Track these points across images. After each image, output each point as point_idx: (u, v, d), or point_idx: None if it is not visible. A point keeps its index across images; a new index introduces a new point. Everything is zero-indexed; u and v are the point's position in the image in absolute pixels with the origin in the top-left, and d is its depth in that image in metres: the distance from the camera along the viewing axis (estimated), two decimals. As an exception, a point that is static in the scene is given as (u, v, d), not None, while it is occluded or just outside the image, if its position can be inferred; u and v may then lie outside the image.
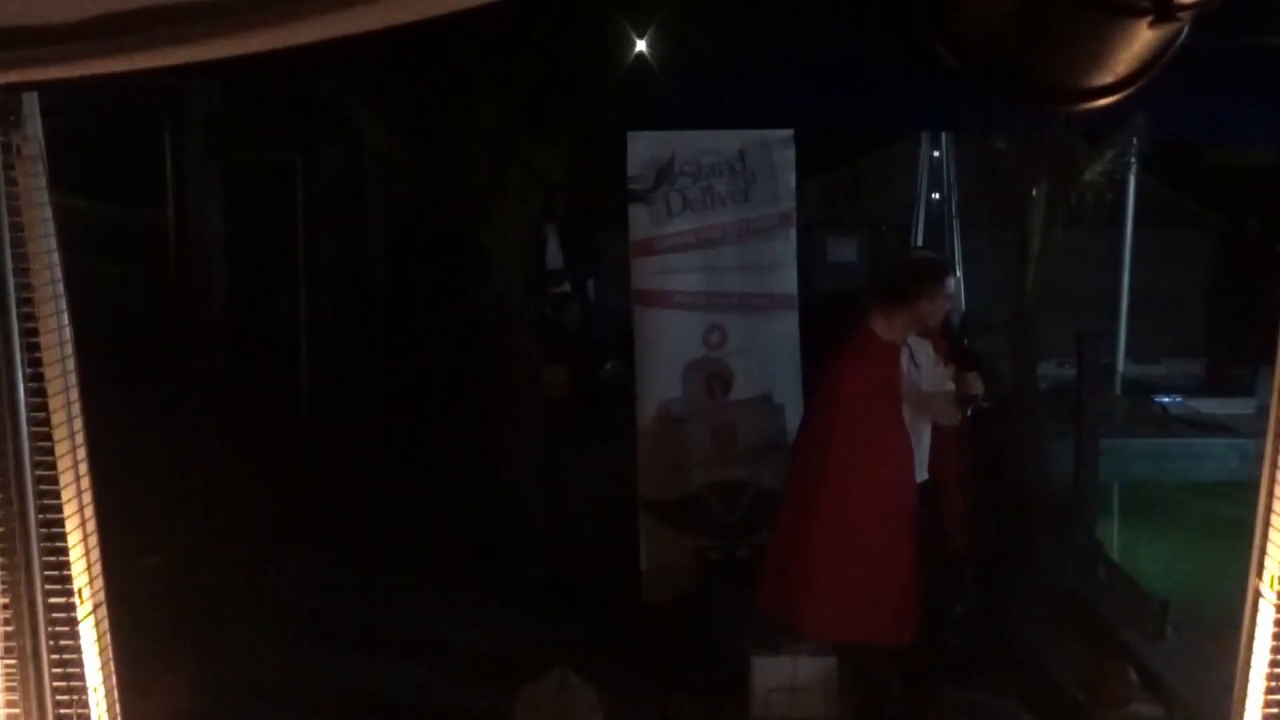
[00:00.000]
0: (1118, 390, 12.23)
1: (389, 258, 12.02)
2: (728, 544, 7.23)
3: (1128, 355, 12.80)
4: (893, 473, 5.23)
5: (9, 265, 2.64)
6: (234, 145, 8.60)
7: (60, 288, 2.80)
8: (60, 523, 2.74)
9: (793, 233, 7.50)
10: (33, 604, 2.68)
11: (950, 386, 5.24)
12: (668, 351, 7.33)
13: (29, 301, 2.70)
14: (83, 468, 2.82)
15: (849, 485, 5.25)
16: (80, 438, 2.82)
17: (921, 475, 5.28)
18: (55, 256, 2.78)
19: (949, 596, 5.43)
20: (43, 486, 2.71)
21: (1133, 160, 8.75)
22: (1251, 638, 2.90)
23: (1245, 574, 2.93)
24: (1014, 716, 4.71)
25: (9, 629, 2.70)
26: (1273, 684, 2.87)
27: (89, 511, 2.84)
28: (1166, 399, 12.33)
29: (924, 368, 5.31)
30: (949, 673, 5.46)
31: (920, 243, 12.82)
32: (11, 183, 2.66)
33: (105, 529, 2.90)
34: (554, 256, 11.01)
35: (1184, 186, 13.52)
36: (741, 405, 7.35)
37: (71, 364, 2.82)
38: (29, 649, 2.69)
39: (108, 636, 2.88)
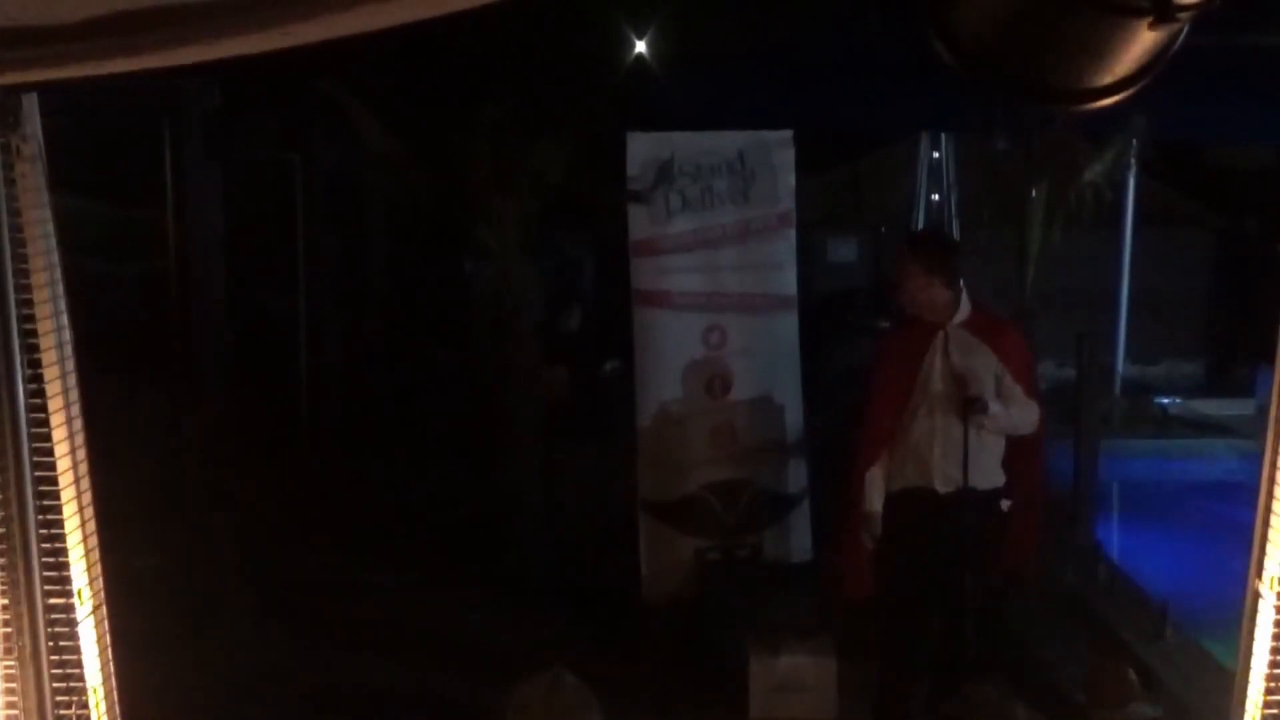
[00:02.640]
0: (1117, 390, 12.24)
1: (389, 257, 12.03)
2: (728, 544, 7.23)
3: (1128, 355, 12.81)
4: (876, 448, 5.28)
5: (9, 265, 2.64)
6: (234, 145, 8.60)
7: (60, 288, 2.80)
8: (60, 523, 2.73)
9: (792, 233, 7.49)
10: (33, 604, 2.68)
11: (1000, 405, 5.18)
12: (668, 351, 7.32)
13: (29, 302, 2.70)
14: (83, 468, 2.82)
15: (865, 454, 5.33)
16: (80, 438, 2.82)
17: (956, 480, 5.14)
18: (55, 256, 2.78)
19: (968, 602, 5.38)
20: (43, 487, 2.71)
21: (1133, 160, 8.76)
22: (1251, 638, 2.90)
23: (1244, 574, 2.93)
24: (1012, 707, 4.72)
25: (9, 629, 2.70)
26: (1273, 684, 2.87)
27: (89, 512, 2.84)
28: (1166, 399, 12.33)
29: (964, 367, 5.15)
30: (969, 673, 5.45)
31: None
32: (11, 183, 2.66)
33: (105, 529, 2.90)
34: (554, 256, 11.01)
35: (1184, 186, 13.53)
36: (741, 405, 7.34)
37: (71, 364, 2.82)
38: (29, 649, 2.68)
39: (108, 636, 2.88)
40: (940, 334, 5.18)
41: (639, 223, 7.32)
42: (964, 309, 5.23)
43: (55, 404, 2.74)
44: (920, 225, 13.38)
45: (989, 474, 5.25)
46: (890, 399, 5.27)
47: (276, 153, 10.19)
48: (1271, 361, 2.86)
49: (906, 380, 5.21)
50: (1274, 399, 2.83)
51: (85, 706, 2.78)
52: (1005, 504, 5.34)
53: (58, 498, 2.74)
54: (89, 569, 2.81)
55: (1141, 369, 13.04)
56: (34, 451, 2.68)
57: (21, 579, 2.67)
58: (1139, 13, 1.94)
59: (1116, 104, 2.24)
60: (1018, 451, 5.36)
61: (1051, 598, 7.09)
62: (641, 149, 7.28)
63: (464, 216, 7.63)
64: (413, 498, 8.95)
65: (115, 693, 2.91)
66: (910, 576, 5.27)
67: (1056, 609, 7.12)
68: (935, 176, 13.44)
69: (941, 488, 5.19)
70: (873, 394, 5.41)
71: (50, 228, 2.77)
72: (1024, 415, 5.27)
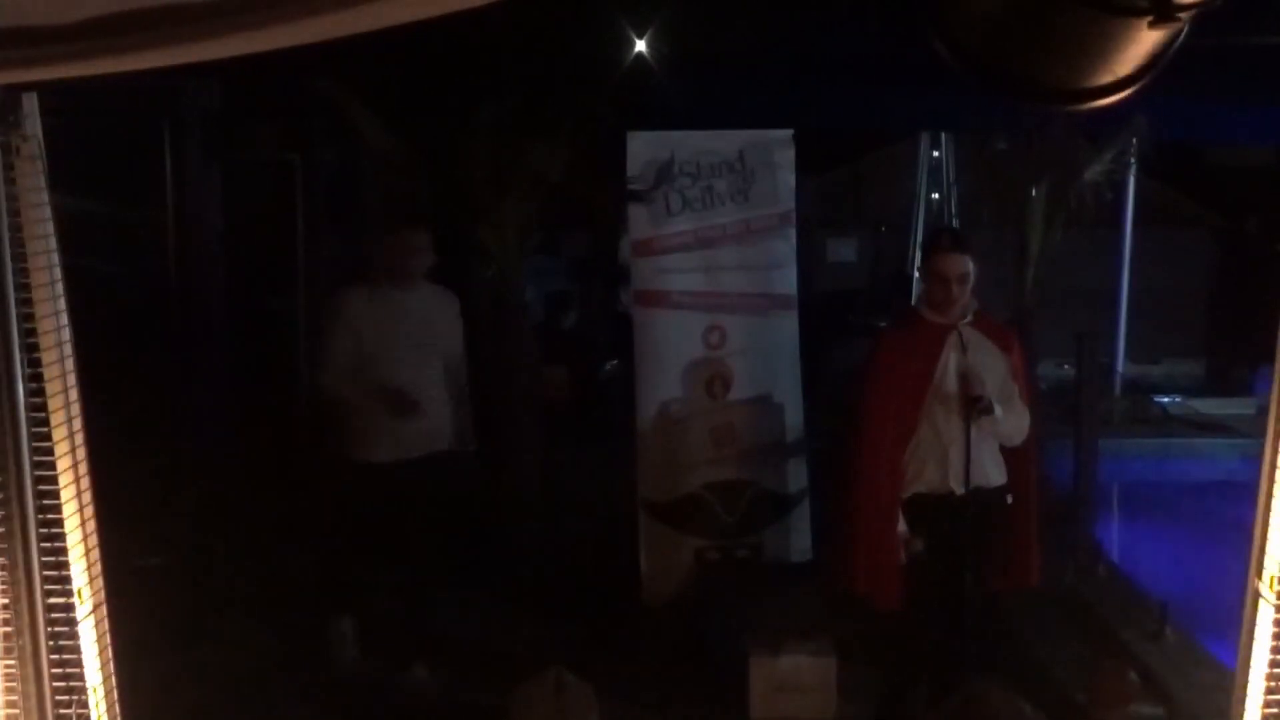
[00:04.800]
0: (1118, 390, 12.25)
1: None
2: (727, 544, 7.24)
3: (1128, 355, 12.81)
4: (887, 452, 5.22)
5: (9, 265, 2.64)
6: (234, 145, 8.60)
7: (60, 288, 2.80)
8: (60, 523, 2.73)
9: (792, 233, 7.50)
10: (33, 604, 2.68)
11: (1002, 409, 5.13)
12: (668, 351, 7.33)
13: (29, 301, 2.70)
14: (83, 468, 2.82)
15: (875, 458, 5.24)
16: (80, 438, 2.82)
17: (967, 480, 5.13)
18: (55, 256, 2.78)
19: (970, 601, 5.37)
20: (43, 486, 2.71)
21: (1133, 160, 8.76)
22: (1251, 638, 2.90)
23: (1244, 574, 2.93)
24: (1018, 706, 4.73)
25: (9, 629, 2.70)
26: (1272, 684, 2.87)
27: (89, 511, 2.84)
28: (1166, 399, 12.34)
29: (976, 365, 5.12)
30: (970, 673, 5.45)
31: (919, 243, 12.83)
32: (11, 183, 2.66)
33: (105, 529, 2.90)
34: (554, 256, 11.02)
35: (1184, 186, 13.53)
36: (741, 405, 7.35)
37: (71, 364, 2.82)
38: (29, 649, 2.68)
39: (108, 636, 2.88)
40: (953, 334, 5.15)
41: (638, 223, 7.33)
42: (972, 309, 5.22)
43: (55, 404, 2.74)
44: (920, 225, 13.39)
45: (995, 469, 5.25)
46: (901, 400, 5.23)
47: (276, 153, 10.19)
48: (1271, 361, 2.85)
49: (920, 381, 5.17)
50: (1274, 399, 2.82)
51: (85, 706, 2.78)
52: (1008, 498, 5.34)
53: (58, 497, 2.74)
54: (89, 569, 2.81)
55: (1141, 369, 13.04)
56: (34, 451, 2.69)
57: (21, 579, 2.67)
58: (1139, 13, 1.94)
59: (1116, 104, 2.24)
60: (1011, 457, 5.34)
61: (1051, 598, 7.10)
62: (641, 149, 7.28)
63: (464, 216, 7.63)
64: (412, 497, 8.92)
65: (115, 692, 2.91)
66: (921, 578, 5.25)
67: (1056, 609, 7.12)
68: (935, 176, 13.45)
69: (958, 489, 5.17)
70: (879, 395, 5.30)
71: (50, 228, 2.77)
72: (1018, 423, 5.26)
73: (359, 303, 6.04)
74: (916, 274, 11.21)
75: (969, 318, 5.19)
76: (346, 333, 6.00)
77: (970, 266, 5.15)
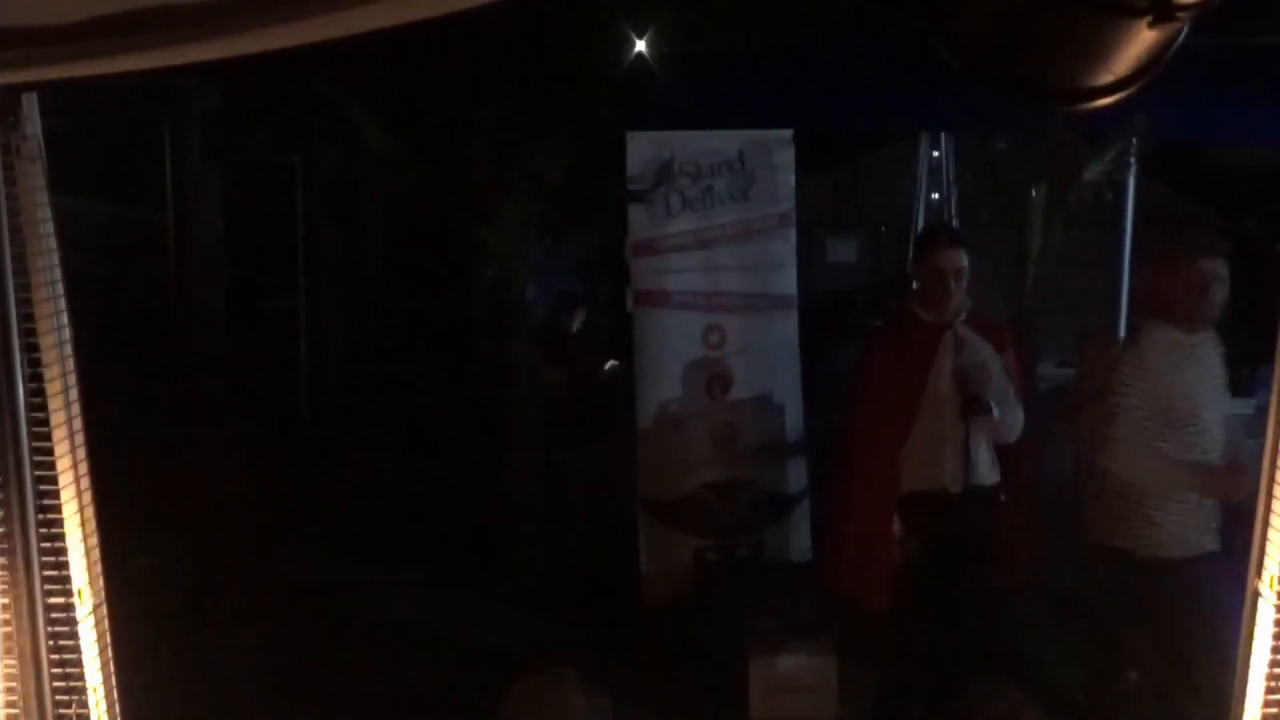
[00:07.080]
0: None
1: (388, 258, 12.04)
2: (727, 544, 7.24)
3: (1128, 355, 12.79)
4: (883, 452, 5.21)
5: (8, 265, 2.63)
6: (234, 145, 8.61)
7: (60, 288, 2.79)
8: (60, 523, 2.73)
9: (792, 233, 7.50)
10: (32, 604, 2.68)
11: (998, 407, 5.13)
12: (667, 351, 7.33)
13: (29, 301, 2.70)
14: (83, 468, 2.82)
15: (870, 458, 5.23)
16: (80, 438, 2.82)
17: (963, 479, 5.11)
18: (55, 256, 2.78)
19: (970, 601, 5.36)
20: (43, 486, 2.71)
21: (1133, 160, 8.77)
22: (1251, 638, 2.90)
23: (1244, 574, 2.93)
24: (1016, 706, 4.73)
25: (9, 629, 2.70)
26: (1272, 684, 2.87)
27: (89, 511, 2.84)
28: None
29: (973, 364, 5.09)
30: (972, 674, 5.45)
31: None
32: (11, 183, 2.66)
33: (105, 529, 2.90)
34: (555, 256, 11.01)
35: (1184, 186, 13.51)
36: (741, 405, 7.35)
37: (71, 364, 2.81)
38: (29, 649, 2.68)
39: (108, 636, 2.88)
40: (948, 333, 5.15)
41: (638, 223, 7.33)
42: (965, 307, 5.22)
43: (55, 404, 2.73)
44: (920, 225, 13.37)
45: (990, 468, 5.24)
46: (896, 399, 5.22)
47: (276, 153, 10.19)
48: (1271, 361, 2.85)
49: (915, 381, 5.16)
50: (1274, 399, 2.82)
51: (85, 706, 2.78)
52: (1003, 496, 5.34)
53: (58, 497, 2.74)
54: (89, 569, 2.81)
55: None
56: (34, 451, 2.68)
57: (22, 579, 2.67)
58: (1139, 13, 1.94)
59: (1116, 104, 2.24)
60: (1004, 455, 5.34)
61: (1052, 598, 7.10)
62: (641, 149, 7.29)
63: (464, 217, 7.63)
64: (412, 497, 8.95)
65: (115, 693, 2.91)
66: (917, 578, 5.25)
67: (1056, 609, 7.12)
68: (935, 176, 13.44)
69: (953, 488, 5.16)
70: (874, 395, 5.31)
71: (50, 228, 2.76)
72: (1013, 421, 5.25)
73: (1162, 351, 4.85)
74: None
75: (963, 316, 5.19)
76: (1146, 388, 4.77)
77: (966, 262, 5.15)
